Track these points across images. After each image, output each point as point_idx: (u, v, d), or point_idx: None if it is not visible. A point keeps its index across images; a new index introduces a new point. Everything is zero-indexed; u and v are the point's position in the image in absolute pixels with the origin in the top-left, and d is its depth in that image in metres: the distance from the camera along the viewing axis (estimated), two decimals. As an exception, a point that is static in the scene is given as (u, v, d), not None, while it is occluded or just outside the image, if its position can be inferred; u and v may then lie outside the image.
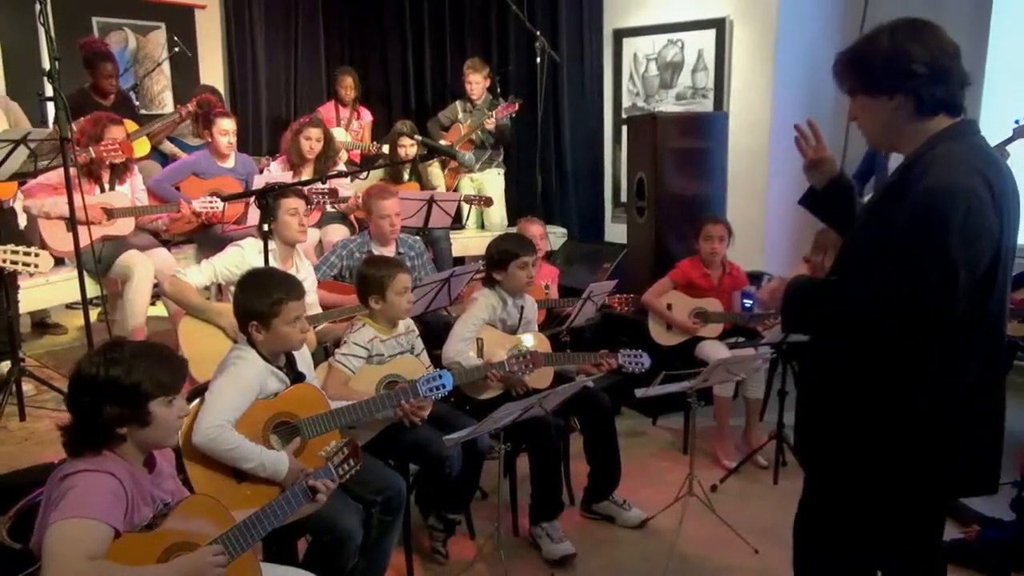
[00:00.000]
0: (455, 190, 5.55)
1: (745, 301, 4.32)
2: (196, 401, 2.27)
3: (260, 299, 2.33)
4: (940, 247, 1.52)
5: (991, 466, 1.76)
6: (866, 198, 5.30)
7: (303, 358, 2.55)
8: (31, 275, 3.26)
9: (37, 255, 3.11)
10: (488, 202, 5.20)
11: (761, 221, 5.22)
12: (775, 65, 5.19)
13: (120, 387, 1.69)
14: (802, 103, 5.43)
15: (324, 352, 3.27)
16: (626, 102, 6.00)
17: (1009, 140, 3.93)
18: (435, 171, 5.42)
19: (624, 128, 5.56)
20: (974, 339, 1.65)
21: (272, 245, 3.17)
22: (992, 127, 4.77)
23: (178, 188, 4.43)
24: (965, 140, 1.65)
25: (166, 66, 5.96)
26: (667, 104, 5.73)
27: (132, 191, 4.21)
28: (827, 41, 5.54)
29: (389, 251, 3.84)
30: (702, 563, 3.06)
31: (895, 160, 4.71)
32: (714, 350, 3.98)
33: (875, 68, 1.67)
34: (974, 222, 1.53)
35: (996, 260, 1.61)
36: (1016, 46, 4.95)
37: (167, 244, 4.42)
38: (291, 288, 2.39)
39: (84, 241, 3.29)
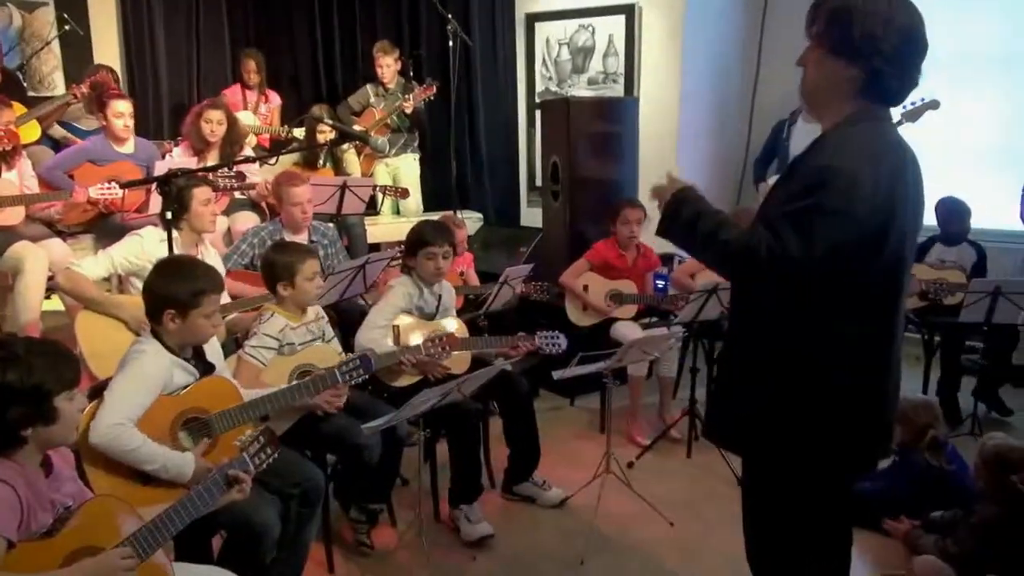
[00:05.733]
0: (371, 176, 5.46)
1: (658, 282, 4.43)
2: (95, 402, 2.16)
3: (181, 287, 2.25)
4: (806, 218, 1.57)
5: (874, 443, 1.80)
6: (770, 179, 5.52)
7: (212, 348, 2.47)
8: None
9: None
10: (404, 194, 5.15)
11: (672, 204, 5.33)
12: (683, 50, 5.31)
13: (23, 387, 1.62)
14: (710, 88, 5.59)
15: (235, 343, 3.18)
16: (539, 86, 6.03)
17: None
18: (351, 157, 5.32)
19: (538, 113, 5.59)
20: (846, 313, 1.66)
21: (175, 234, 3.05)
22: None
23: (72, 177, 4.19)
24: (869, 124, 1.67)
25: (55, 45, 5.61)
26: (579, 89, 5.79)
27: (20, 178, 3.96)
28: (733, 26, 5.71)
29: (302, 238, 3.75)
30: (621, 538, 3.14)
31: (797, 145, 4.91)
32: (629, 331, 4.07)
33: (852, 28, 1.61)
34: (842, 201, 1.56)
35: (873, 242, 1.62)
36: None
37: (62, 234, 4.18)
38: (212, 280, 2.33)
39: (-32, 232, 3.08)
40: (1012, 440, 2.76)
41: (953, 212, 4.30)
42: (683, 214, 1.76)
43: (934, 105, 4.18)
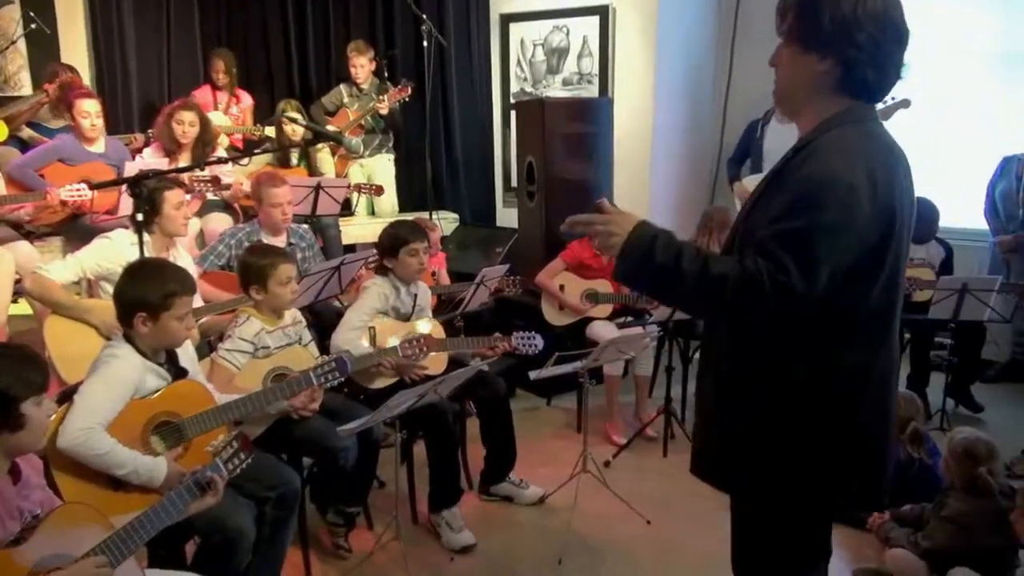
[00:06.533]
0: (345, 176, 5.43)
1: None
2: (64, 406, 2.13)
3: (152, 289, 2.22)
4: (806, 238, 1.45)
5: (875, 467, 1.65)
6: (744, 179, 5.54)
7: (186, 353, 2.44)
8: None
9: None
10: (379, 191, 5.13)
11: (645, 203, 5.37)
12: (656, 51, 5.34)
13: None
14: (683, 88, 5.63)
15: (208, 346, 3.14)
16: (514, 87, 6.03)
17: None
18: (325, 157, 5.28)
19: (513, 113, 5.59)
20: (854, 332, 1.56)
21: (146, 237, 3.01)
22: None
23: (42, 176, 4.12)
24: (858, 126, 1.56)
25: (22, 44, 5.51)
26: (554, 89, 5.80)
27: (-14, 179, 3.89)
28: (706, 27, 5.76)
29: (280, 241, 3.71)
30: (598, 537, 3.15)
31: (771, 144, 4.96)
32: (604, 330, 4.09)
33: (821, 20, 1.51)
34: (843, 215, 1.45)
35: (874, 254, 1.51)
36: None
37: (30, 236, 4.11)
38: (184, 282, 2.31)
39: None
40: (979, 433, 2.82)
41: (923, 214, 4.35)
42: (657, 254, 1.50)
43: (905, 104, 4.24)
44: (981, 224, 4.75)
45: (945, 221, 4.45)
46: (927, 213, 4.35)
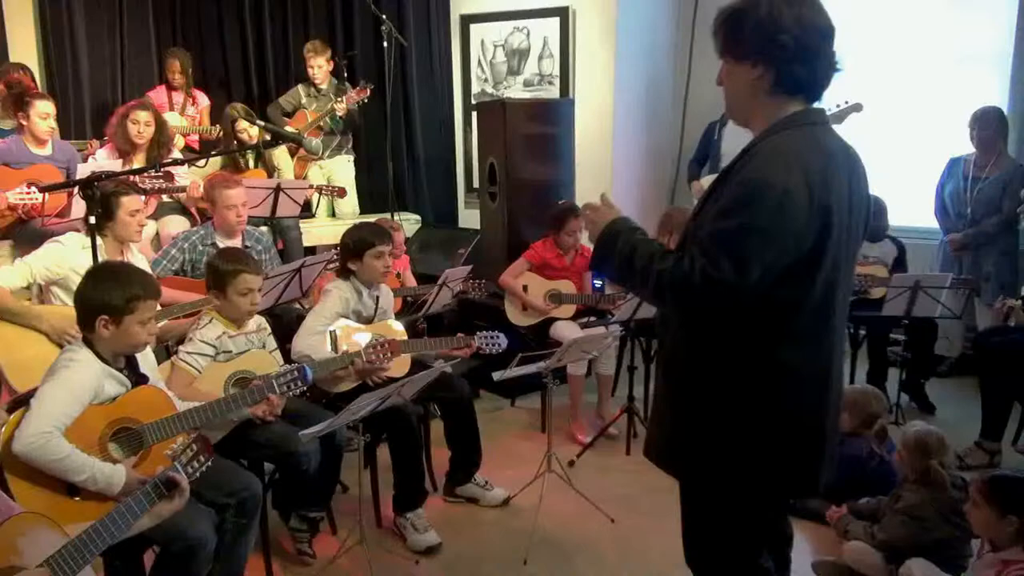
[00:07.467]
0: (305, 178, 5.37)
1: (596, 282, 4.48)
2: (20, 411, 2.07)
3: (116, 292, 2.18)
4: (738, 237, 1.52)
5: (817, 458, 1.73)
6: (703, 180, 5.59)
7: (146, 359, 2.40)
8: None
9: None
10: (341, 192, 5.09)
11: (608, 204, 5.40)
12: (616, 52, 5.39)
13: None
14: (643, 89, 5.68)
15: (165, 351, 3.09)
16: (475, 88, 6.03)
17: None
18: (284, 158, 5.21)
19: (474, 114, 5.59)
20: (793, 328, 1.62)
21: (99, 241, 2.94)
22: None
23: (-13, 181, 4.00)
24: (801, 130, 1.62)
25: (-33, 43, 5.35)
26: (515, 90, 5.81)
27: (-71, 183, 3.77)
28: (665, 29, 5.82)
29: (235, 243, 3.66)
30: (563, 536, 3.16)
31: (728, 145, 5.04)
32: (568, 330, 4.10)
33: (744, 31, 1.62)
34: (777, 219, 1.51)
35: (811, 254, 1.57)
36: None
37: (-25, 242, 3.99)
38: (148, 286, 2.27)
39: None
40: (930, 427, 2.89)
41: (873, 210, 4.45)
42: (618, 247, 1.69)
43: (858, 108, 4.33)
44: (933, 223, 4.87)
45: (897, 220, 4.56)
46: (876, 210, 4.45)
